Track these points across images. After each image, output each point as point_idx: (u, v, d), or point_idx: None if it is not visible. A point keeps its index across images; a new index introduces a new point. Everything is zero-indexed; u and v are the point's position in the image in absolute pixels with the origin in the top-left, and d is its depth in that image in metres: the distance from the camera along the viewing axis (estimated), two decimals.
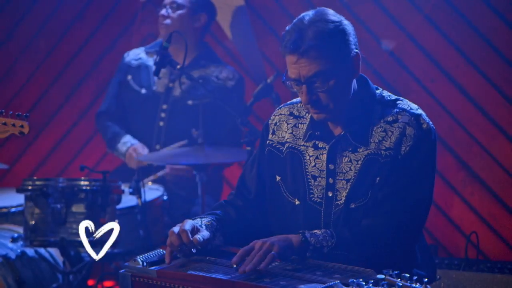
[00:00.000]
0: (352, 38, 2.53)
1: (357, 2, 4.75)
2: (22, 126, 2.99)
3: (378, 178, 2.54)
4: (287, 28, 2.53)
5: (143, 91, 4.43)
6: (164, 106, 4.39)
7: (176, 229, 2.47)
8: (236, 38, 5.04)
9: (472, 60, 4.59)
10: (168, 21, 4.37)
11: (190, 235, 2.45)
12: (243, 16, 4.96)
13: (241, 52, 5.03)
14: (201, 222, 2.58)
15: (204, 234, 2.49)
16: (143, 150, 4.33)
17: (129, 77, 4.47)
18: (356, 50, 2.53)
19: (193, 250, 2.47)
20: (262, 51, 4.97)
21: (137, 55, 4.51)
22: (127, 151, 4.36)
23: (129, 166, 4.35)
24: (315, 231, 2.49)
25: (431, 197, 2.60)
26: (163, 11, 4.39)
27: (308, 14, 2.52)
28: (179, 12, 4.36)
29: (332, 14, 2.53)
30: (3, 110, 3.03)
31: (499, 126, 4.57)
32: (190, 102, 4.36)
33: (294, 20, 2.53)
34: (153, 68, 4.31)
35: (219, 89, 4.32)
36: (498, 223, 4.62)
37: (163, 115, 4.40)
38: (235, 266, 2.35)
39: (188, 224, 2.49)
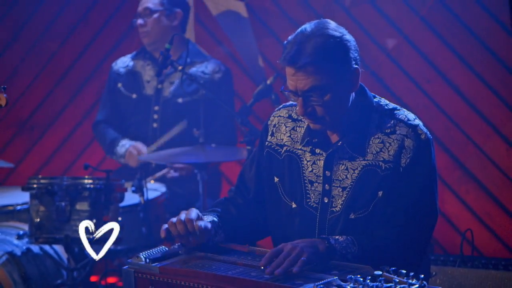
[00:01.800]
0: (352, 54, 2.48)
1: (355, 4, 4.75)
2: None
3: (381, 192, 2.51)
4: (289, 38, 2.49)
5: (134, 96, 4.47)
6: (156, 108, 4.42)
7: (182, 216, 2.47)
8: (237, 40, 5.04)
9: (468, 62, 4.60)
10: (146, 28, 4.39)
11: (195, 224, 2.45)
12: (243, 19, 4.97)
13: (241, 53, 5.03)
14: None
15: (207, 224, 2.48)
16: (142, 147, 4.36)
17: (119, 84, 4.51)
18: (356, 66, 2.49)
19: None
20: (262, 53, 4.98)
21: (124, 62, 4.56)
22: (126, 151, 4.38)
23: (130, 164, 4.37)
24: (337, 237, 2.46)
25: (436, 207, 2.57)
26: (140, 21, 4.41)
27: (310, 26, 2.48)
28: (154, 16, 4.38)
29: (333, 29, 2.47)
30: None
31: (493, 126, 4.58)
32: (180, 100, 4.39)
33: (297, 31, 2.49)
34: (141, 73, 4.42)
35: (207, 83, 4.33)
36: (493, 221, 4.62)
37: (155, 116, 4.43)
38: (263, 267, 2.32)
39: (194, 213, 2.49)
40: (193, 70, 4.37)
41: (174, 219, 2.49)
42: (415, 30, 4.68)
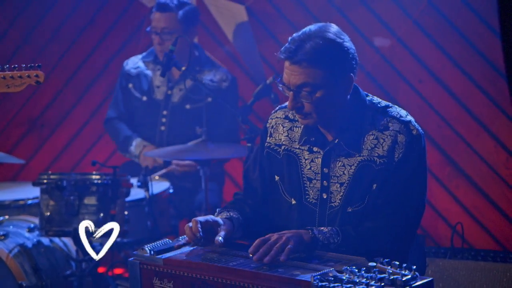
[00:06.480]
0: (349, 61, 2.48)
1: (349, 7, 4.74)
2: (37, 76, 2.90)
3: (375, 185, 2.52)
4: (294, 35, 2.50)
5: (144, 98, 4.45)
6: (164, 112, 4.42)
7: (201, 218, 2.48)
8: (237, 42, 5.04)
9: (458, 62, 4.59)
10: (164, 47, 4.23)
11: (200, 228, 2.44)
12: (244, 22, 4.96)
13: (241, 54, 5.03)
14: (229, 215, 2.59)
15: (222, 234, 2.46)
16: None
17: (130, 85, 4.49)
18: (351, 74, 2.49)
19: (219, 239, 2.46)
20: (262, 54, 4.97)
21: (135, 63, 4.52)
22: (141, 154, 4.38)
23: (144, 165, 4.35)
24: (322, 228, 2.48)
25: (424, 199, 2.59)
26: (158, 40, 4.30)
27: (314, 27, 2.49)
28: (173, 35, 4.21)
29: (334, 33, 2.48)
30: (16, 65, 2.90)
31: (482, 124, 4.57)
32: (188, 106, 4.40)
33: (303, 29, 2.50)
34: (151, 77, 4.40)
35: (214, 91, 4.31)
36: (482, 214, 4.62)
37: (163, 120, 4.42)
38: (251, 255, 2.34)
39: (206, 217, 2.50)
40: (202, 77, 4.35)
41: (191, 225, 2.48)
42: (408, 32, 4.67)
